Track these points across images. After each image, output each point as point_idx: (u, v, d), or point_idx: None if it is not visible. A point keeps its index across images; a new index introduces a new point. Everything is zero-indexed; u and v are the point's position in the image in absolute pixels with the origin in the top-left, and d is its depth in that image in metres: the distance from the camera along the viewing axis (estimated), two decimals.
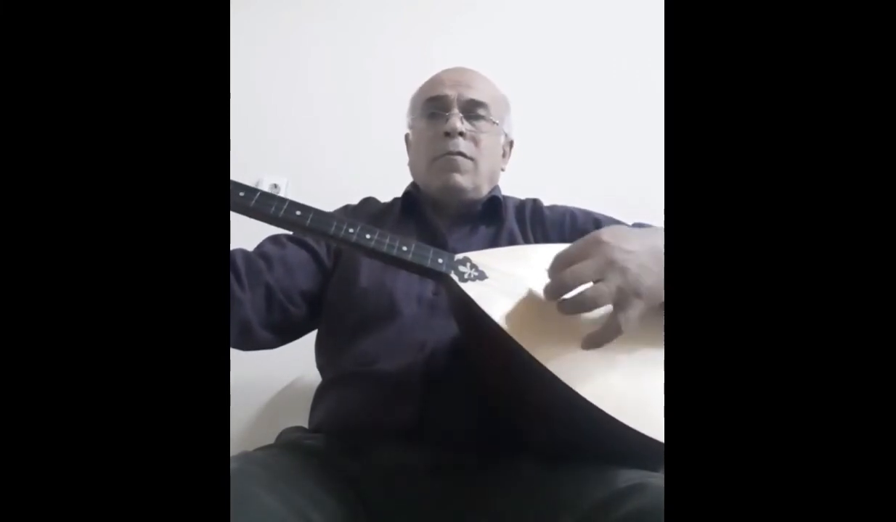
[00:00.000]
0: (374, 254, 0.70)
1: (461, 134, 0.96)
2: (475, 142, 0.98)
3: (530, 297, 0.69)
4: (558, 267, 0.64)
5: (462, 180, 0.96)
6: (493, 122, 0.99)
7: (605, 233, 0.64)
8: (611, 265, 0.61)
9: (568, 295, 0.63)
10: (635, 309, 0.61)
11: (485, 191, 1.00)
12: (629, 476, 0.60)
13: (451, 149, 0.96)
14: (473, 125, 0.98)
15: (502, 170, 1.07)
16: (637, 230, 0.67)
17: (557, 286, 0.63)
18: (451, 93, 0.99)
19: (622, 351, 0.64)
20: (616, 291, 0.60)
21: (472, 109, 0.98)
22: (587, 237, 0.65)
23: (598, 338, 0.62)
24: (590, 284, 0.62)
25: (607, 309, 0.63)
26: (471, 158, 0.97)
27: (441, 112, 0.99)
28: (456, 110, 0.98)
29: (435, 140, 0.98)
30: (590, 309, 0.61)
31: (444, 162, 0.97)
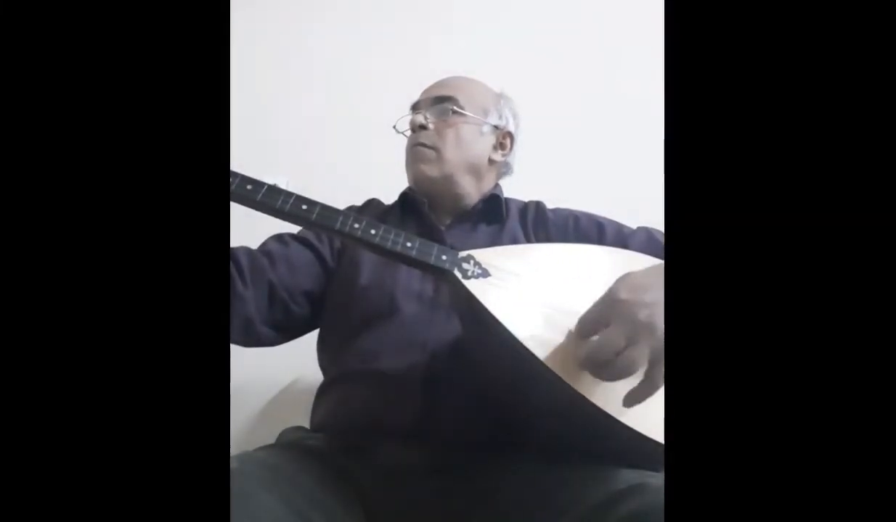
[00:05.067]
0: (378, 249, 0.70)
1: (422, 126, 1.00)
2: (438, 132, 1.00)
3: (533, 295, 0.69)
4: (584, 334, 0.63)
5: (427, 169, 0.99)
6: (462, 113, 1.00)
7: (623, 289, 0.62)
8: (637, 327, 0.59)
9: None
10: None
11: (464, 180, 1.00)
12: (629, 477, 0.60)
13: (413, 141, 1.01)
14: (438, 117, 1.00)
15: (497, 160, 1.05)
16: (650, 272, 0.64)
17: (591, 360, 0.61)
18: (424, 96, 1.05)
19: None
20: (649, 351, 0.58)
21: (437, 104, 1.02)
22: (606, 296, 0.63)
23: (638, 396, 0.60)
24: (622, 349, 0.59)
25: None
26: (432, 147, 0.99)
27: (413, 113, 1.04)
28: (422, 109, 1.02)
29: (408, 139, 1.04)
30: (628, 376, 0.59)
31: (411, 155, 1.02)
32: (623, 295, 0.61)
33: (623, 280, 0.63)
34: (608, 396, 0.61)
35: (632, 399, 0.60)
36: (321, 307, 0.94)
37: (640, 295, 0.60)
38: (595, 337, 0.62)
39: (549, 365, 0.63)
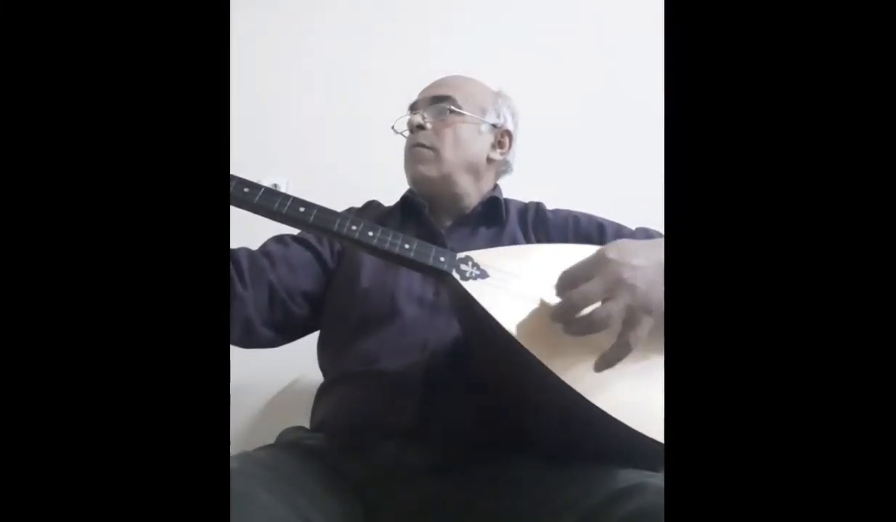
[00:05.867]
0: (376, 251, 0.70)
1: (420, 126, 1.00)
2: (436, 132, 0.99)
3: (532, 296, 0.69)
4: (565, 285, 0.63)
5: (425, 169, 0.98)
6: (460, 112, 1.00)
7: (612, 250, 0.63)
8: (619, 283, 0.60)
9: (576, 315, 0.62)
10: (645, 327, 0.60)
11: (463, 179, 1.00)
12: (629, 477, 0.60)
13: (411, 142, 1.01)
14: (436, 117, 1.00)
15: (496, 159, 1.05)
16: (643, 243, 0.65)
17: (565, 307, 0.62)
18: (421, 96, 1.05)
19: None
20: (625, 310, 0.60)
21: (435, 104, 1.01)
22: (593, 255, 0.63)
23: (610, 359, 0.61)
24: (598, 304, 0.61)
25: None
26: (431, 147, 0.99)
27: (411, 114, 1.03)
28: (420, 109, 1.02)
29: (406, 140, 1.04)
30: (599, 330, 0.60)
31: (409, 155, 1.01)
32: (611, 255, 0.62)
33: (615, 243, 0.65)
34: (608, 396, 0.61)
35: (603, 361, 0.61)
36: (321, 308, 0.94)
37: (629, 257, 0.62)
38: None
39: (523, 337, 0.63)
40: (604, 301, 0.60)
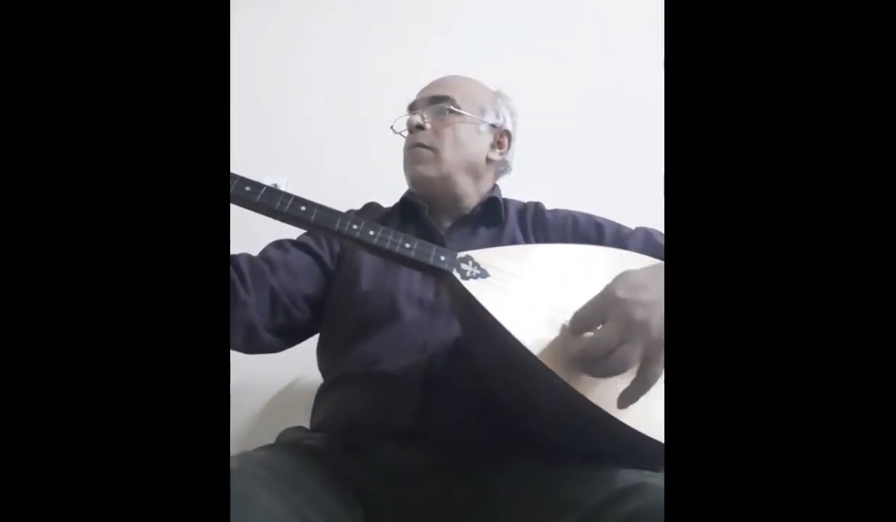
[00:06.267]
0: (377, 250, 0.70)
1: (419, 126, 1.00)
2: (436, 132, 0.99)
3: (532, 296, 0.69)
4: (577, 328, 0.63)
5: (424, 170, 0.99)
6: (459, 112, 1.00)
7: (620, 288, 0.62)
8: (633, 325, 0.59)
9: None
10: (662, 362, 0.59)
11: (462, 180, 1.00)
12: (629, 477, 0.60)
13: (410, 142, 1.01)
14: (435, 117, 1.00)
15: (495, 159, 1.05)
16: (649, 272, 0.64)
17: (584, 358, 0.61)
18: (420, 96, 1.05)
19: None
20: (643, 351, 0.59)
21: (434, 104, 1.01)
22: (602, 294, 0.63)
23: (631, 396, 0.60)
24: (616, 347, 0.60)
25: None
26: (430, 147, 0.99)
27: (410, 114, 1.03)
28: (419, 109, 1.02)
29: (405, 140, 1.04)
30: (619, 374, 0.60)
31: (408, 155, 1.01)
32: (621, 293, 0.61)
33: (621, 278, 0.63)
34: (608, 396, 0.61)
35: (625, 398, 0.60)
36: (322, 310, 0.94)
37: (638, 294, 0.61)
38: (589, 334, 0.62)
39: (542, 360, 0.63)
40: (620, 344, 0.59)
